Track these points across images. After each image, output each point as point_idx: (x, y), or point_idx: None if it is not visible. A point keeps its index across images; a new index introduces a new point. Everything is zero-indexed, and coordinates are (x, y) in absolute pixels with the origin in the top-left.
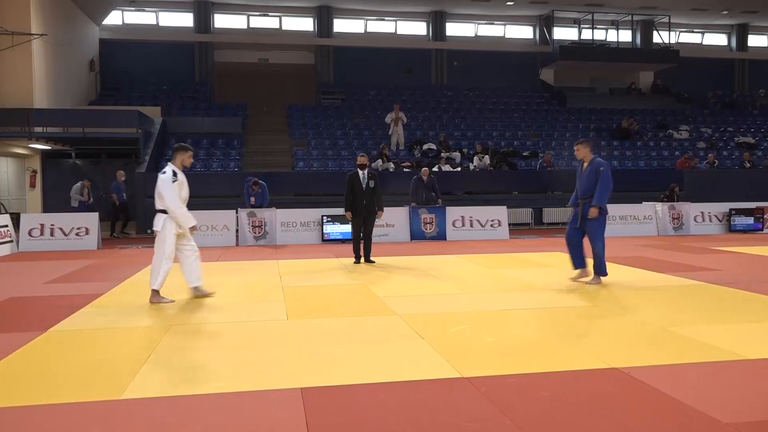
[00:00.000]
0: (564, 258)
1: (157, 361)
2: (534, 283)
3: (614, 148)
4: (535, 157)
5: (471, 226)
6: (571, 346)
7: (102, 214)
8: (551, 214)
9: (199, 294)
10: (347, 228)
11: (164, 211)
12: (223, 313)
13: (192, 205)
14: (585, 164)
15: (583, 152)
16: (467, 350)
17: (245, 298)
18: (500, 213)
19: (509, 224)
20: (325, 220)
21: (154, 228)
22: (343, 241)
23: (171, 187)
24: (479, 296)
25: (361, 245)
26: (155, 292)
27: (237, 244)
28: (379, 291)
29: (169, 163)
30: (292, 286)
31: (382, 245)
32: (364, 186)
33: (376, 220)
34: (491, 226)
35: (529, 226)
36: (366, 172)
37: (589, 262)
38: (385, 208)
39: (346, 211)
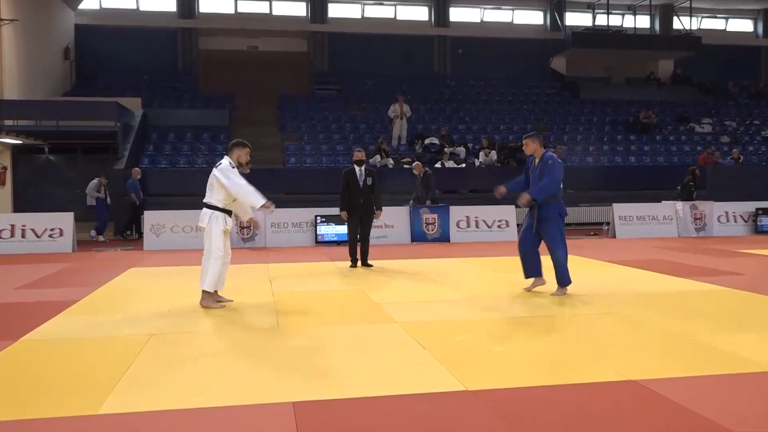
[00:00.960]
0: (579, 262)
1: (138, 373)
2: (545, 289)
3: (631, 143)
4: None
5: (476, 227)
6: (584, 356)
7: (79, 214)
8: None
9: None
10: (343, 229)
11: (212, 207)
12: (209, 321)
13: (175, 203)
14: (536, 161)
15: (531, 147)
16: (472, 361)
17: (232, 305)
18: (508, 213)
19: (518, 225)
20: (318, 221)
21: (199, 224)
22: (338, 243)
23: (233, 172)
24: (485, 303)
25: (358, 248)
26: (205, 294)
27: None
28: (377, 297)
29: (225, 157)
30: (283, 291)
31: (380, 248)
32: (361, 183)
33: (374, 220)
34: (498, 227)
35: None
36: (363, 168)
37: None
38: (384, 208)
39: (341, 210)
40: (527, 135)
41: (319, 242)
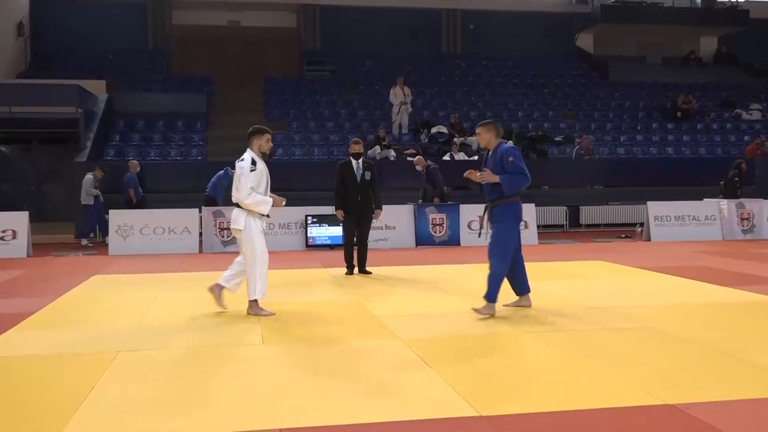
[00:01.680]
0: (608, 269)
1: (102, 396)
2: (568, 299)
3: (668, 132)
4: (571, 142)
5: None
6: (614, 376)
7: (34, 214)
8: (591, 213)
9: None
10: (337, 231)
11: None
12: (184, 336)
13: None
14: (490, 153)
15: (485, 137)
16: (486, 382)
17: (211, 318)
18: (527, 212)
19: (538, 226)
20: (309, 221)
21: (233, 226)
22: (331, 246)
23: (247, 177)
24: (500, 315)
25: (355, 252)
26: (254, 303)
27: (201, 251)
28: (377, 309)
29: (248, 150)
30: (268, 302)
31: (380, 252)
32: (358, 178)
33: (374, 220)
34: None
35: (563, 228)
36: (361, 161)
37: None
38: (384, 206)
39: (336, 209)
40: (481, 123)
41: (310, 246)
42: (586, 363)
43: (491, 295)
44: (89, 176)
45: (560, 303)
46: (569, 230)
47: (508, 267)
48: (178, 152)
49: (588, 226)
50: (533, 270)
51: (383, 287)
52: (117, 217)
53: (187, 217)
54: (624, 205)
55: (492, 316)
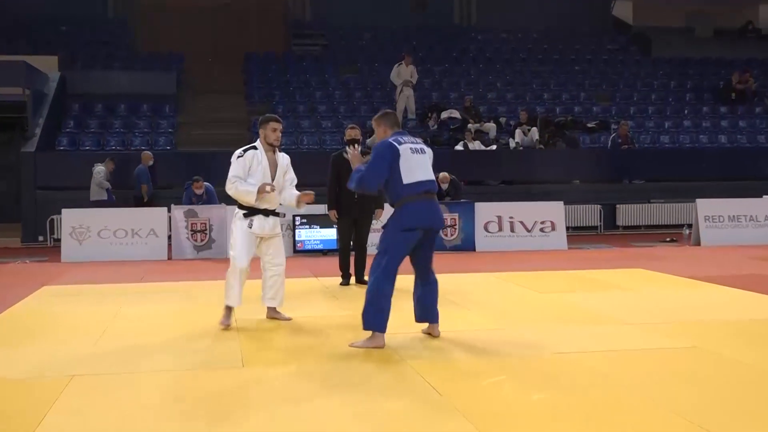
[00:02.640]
0: (651, 278)
1: (53, 429)
2: (603, 314)
3: (721, 117)
4: (606, 129)
5: (511, 230)
6: (657, 406)
7: None
8: (629, 213)
9: (273, 315)
10: (331, 234)
11: (237, 204)
12: (150, 358)
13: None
14: None
15: (378, 132)
16: (505, 413)
17: (182, 336)
18: (554, 212)
19: (568, 228)
20: (298, 223)
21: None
22: (324, 252)
23: (233, 165)
24: (523, 333)
25: (352, 259)
26: (227, 311)
27: (170, 257)
28: None
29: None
30: (250, 318)
31: None
32: None
33: (374, 221)
34: (541, 230)
35: (597, 230)
36: (358, 151)
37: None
38: (386, 206)
39: (329, 209)
40: (377, 115)
41: (299, 251)
42: (624, 389)
43: (367, 323)
44: (101, 167)
45: (593, 318)
46: (604, 233)
47: (389, 281)
48: (143, 141)
49: (626, 227)
50: (561, 279)
51: None
52: (70, 218)
53: (153, 218)
54: (669, 204)
55: (379, 347)
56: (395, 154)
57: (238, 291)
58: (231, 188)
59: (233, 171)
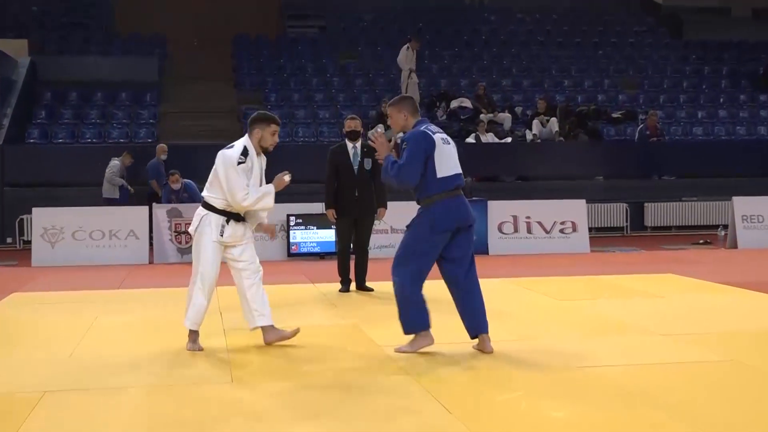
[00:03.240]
0: (681, 284)
1: None
2: (630, 324)
3: (760, 106)
4: (633, 120)
5: (528, 231)
6: (690, 426)
7: None
8: (658, 212)
9: (276, 336)
10: (329, 235)
11: (210, 207)
12: (130, 372)
13: (78, 198)
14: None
15: (394, 120)
16: None
17: (165, 349)
18: (576, 211)
19: (590, 229)
20: (292, 223)
21: (189, 229)
22: (321, 256)
23: (236, 172)
24: (541, 344)
25: (352, 263)
26: (191, 334)
27: (152, 261)
28: (380, 336)
29: (245, 137)
30: (240, 329)
31: (384, 263)
32: (356, 167)
33: (376, 222)
34: (561, 231)
35: (623, 232)
36: (359, 144)
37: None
38: (390, 204)
39: (327, 208)
40: (390, 102)
41: (294, 254)
42: (654, 408)
43: (407, 325)
44: (115, 162)
45: (619, 328)
46: (631, 234)
47: (413, 281)
48: (122, 133)
49: (655, 228)
50: (583, 285)
51: (387, 308)
52: (42, 218)
53: (133, 218)
54: (702, 202)
55: (417, 351)
56: (431, 145)
57: (205, 310)
58: (248, 200)
59: (240, 181)
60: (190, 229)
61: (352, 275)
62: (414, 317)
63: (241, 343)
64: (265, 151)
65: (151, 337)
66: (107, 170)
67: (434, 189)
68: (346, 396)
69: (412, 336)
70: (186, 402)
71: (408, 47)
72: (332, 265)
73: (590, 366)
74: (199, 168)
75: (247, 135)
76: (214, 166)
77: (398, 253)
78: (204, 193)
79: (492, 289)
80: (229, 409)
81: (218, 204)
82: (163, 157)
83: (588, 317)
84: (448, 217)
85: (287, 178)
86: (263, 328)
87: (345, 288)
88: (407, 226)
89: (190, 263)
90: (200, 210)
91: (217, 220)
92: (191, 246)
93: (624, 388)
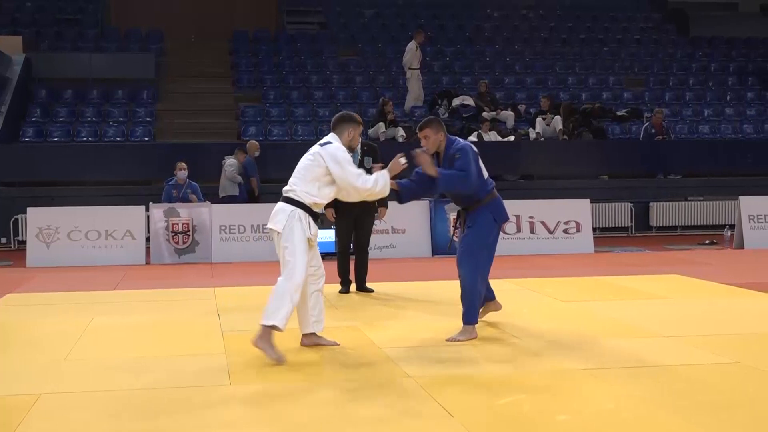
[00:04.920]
0: (687, 285)
1: None
2: (636, 326)
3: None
4: (638, 117)
5: (531, 231)
6: (694, 428)
7: None
8: (664, 212)
9: (314, 342)
10: (328, 235)
11: (294, 202)
12: (126, 375)
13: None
14: (440, 158)
15: (433, 140)
16: None
17: (161, 351)
18: (580, 211)
19: (595, 229)
20: None
21: (269, 225)
22: (321, 256)
23: (348, 159)
24: (545, 346)
25: (352, 264)
26: (266, 331)
27: (148, 262)
28: (380, 338)
29: (333, 135)
30: (238, 330)
31: (385, 263)
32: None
33: (376, 222)
34: (565, 231)
35: (628, 232)
36: (359, 143)
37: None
38: (390, 204)
39: (325, 207)
40: (423, 122)
41: None
42: (659, 411)
43: (469, 316)
44: (232, 159)
45: (624, 331)
46: (635, 234)
47: (480, 276)
48: (117, 131)
49: (660, 228)
50: (587, 287)
51: (388, 309)
52: (37, 217)
53: (130, 218)
54: (708, 202)
55: (470, 340)
56: (476, 152)
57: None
58: (369, 182)
59: (356, 169)
60: (274, 226)
61: (352, 276)
62: (475, 312)
63: (239, 345)
64: (349, 150)
65: (148, 339)
66: (226, 168)
67: (486, 189)
68: (347, 398)
69: (461, 327)
70: (183, 405)
71: (414, 43)
72: (332, 266)
73: (595, 368)
74: (197, 166)
75: (333, 133)
76: (308, 160)
77: (463, 248)
78: (291, 188)
79: (495, 290)
80: (225, 414)
81: (308, 200)
82: (257, 153)
83: (592, 319)
84: (504, 211)
85: (403, 160)
86: (306, 334)
87: (345, 289)
88: (468, 226)
89: (187, 264)
90: (284, 206)
91: (305, 216)
92: (189, 246)
93: (629, 390)
